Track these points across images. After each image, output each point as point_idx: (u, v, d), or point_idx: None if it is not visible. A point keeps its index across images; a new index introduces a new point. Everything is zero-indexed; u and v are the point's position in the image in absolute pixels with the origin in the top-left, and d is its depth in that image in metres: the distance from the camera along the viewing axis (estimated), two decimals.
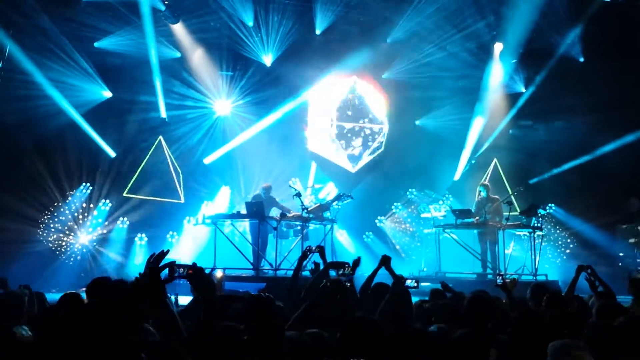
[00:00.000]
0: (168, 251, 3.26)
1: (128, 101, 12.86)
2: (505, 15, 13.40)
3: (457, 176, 14.51)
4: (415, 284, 4.72)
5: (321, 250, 5.62)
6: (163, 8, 12.44)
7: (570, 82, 13.44)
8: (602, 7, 12.72)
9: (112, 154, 12.62)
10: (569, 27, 13.24)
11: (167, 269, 3.18)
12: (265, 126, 13.79)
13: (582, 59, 13.90)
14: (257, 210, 9.62)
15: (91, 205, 12.27)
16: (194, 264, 3.59)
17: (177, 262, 3.37)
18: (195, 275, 3.43)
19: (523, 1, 12.89)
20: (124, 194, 12.72)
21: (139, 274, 3.25)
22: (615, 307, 4.25)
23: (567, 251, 13.50)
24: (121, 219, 12.41)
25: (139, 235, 12.30)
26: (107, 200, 12.40)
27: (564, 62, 13.68)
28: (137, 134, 13.04)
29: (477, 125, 14.35)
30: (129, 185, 12.81)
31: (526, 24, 13.28)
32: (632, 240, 12.42)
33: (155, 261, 3.15)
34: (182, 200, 13.19)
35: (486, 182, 11.82)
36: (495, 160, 14.69)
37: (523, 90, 14.63)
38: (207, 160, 13.60)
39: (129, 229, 12.43)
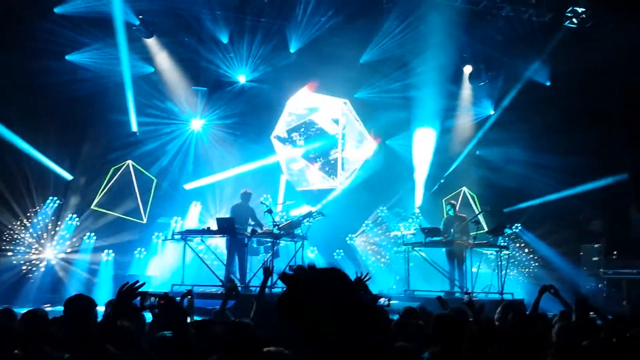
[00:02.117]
0: (143, 284, 3.24)
1: (98, 115, 12.68)
2: (475, 38, 13.80)
3: (417, 202, 14.64)
4: (387, 302, 4.76)
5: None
6: (137, 22, 12.43)
7: (538, 105, 13.80)
8: (568, 33, 13.22)
9: (69, 176, 12.33)
10: (536, 52, 13.67)
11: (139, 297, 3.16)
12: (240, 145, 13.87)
13: (548, 83, 14.35)
14: (228, 226, 9.60)
15: (59, 222, 12.02)
16: (166, 294, 3.57)
17: (149, 291, 3.35)
18: (167, 306, 3.39)
19: (491, 26, 13.32)
20: (92, 207, 12.51)
21: (110, 302, 3.23)
22: (576, 328, 4.35)
23: (530, 270, 13.81)
24: (88, 234, 12.19)
25: (106, 251, 12.10)
26: (75, 215, 12.18)
27: (531, 86, 14.10)
28: (107, 148, 12.85)
29: (428, 146, 14.57)
30: (97, 198, 12.60)
31: (494, 48, 13.71)
32: (595, 259, 12.76)
33: (126, 292, 3.14)
34: (144, 221, 12.97)
35: (453, 201, 12.04)
36: (464, 187, 15.02)
37: (492, 112, 15.01)
38: (188, 187, 13.46)
39: (96, 245, 12.20)
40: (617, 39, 12.50)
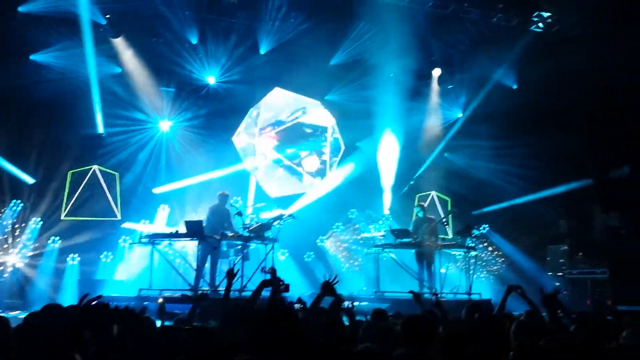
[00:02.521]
0: (99, 296, 3.19)
1: (64, 116, 12.41)
2: (444, 41, 13.98)
3: (386, 205, 14.70)
4: (351, 305, 4.76)
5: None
6: (104, 22, 12.23)
7: (505, 108, 14.03)
8: (534, 37, 13.50)
9: (30, 180, 12.03)
10: (503, 55, 13.91)
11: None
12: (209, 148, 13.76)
13: (515, 87, 14.62)
14: (197, 229, 9.50)
15: (23, 225, 11.74)
16: (126, 307, 3.52)
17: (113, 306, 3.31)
18: (125, 320, 3.34)
19: (460, 29, 13.52)
20: (62, 218, 12.27)
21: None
22: (534, 328, 4.36)
23: (497, 271, 14.04)
24: (53, 237, 11.92)
25: (71, 255, 11.85)
26: (39, 219, 11.90)
27: (498, 89, 14.36)
28: (73, 150, 12.58)
29: (395, 149, 14.68)
30: (64, 207, 12.35)
31: (463, 52, 13.92)
32: (562, 260, 13.04)
33: (86, 305, 3.10)
34: (119, 217, 12.76)
35: (422, 203, 12.16)
36: (433, 191, 15.19)
37: (460, 115, 15.22)
38: (158, 190, 13.24)
39: (61, 249, 11.94)
40: (584, 44, 12.79)
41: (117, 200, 12.93)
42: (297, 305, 4.68)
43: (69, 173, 12.57)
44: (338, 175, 14.82)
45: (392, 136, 14.60)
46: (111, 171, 12.98)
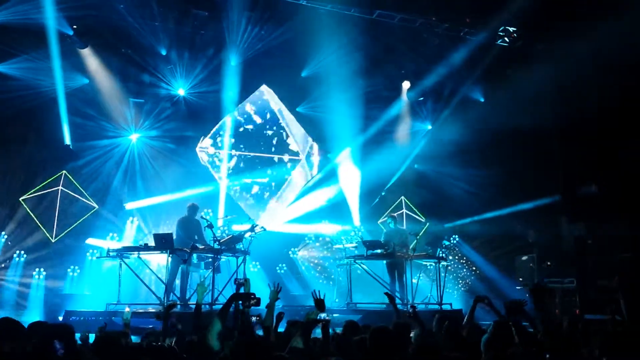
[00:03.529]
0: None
1: (29, 128, 12.15)
2: (412, 55, 14.18)
3: (355, 221, 14.75)
4: (327, 318, 4.74)
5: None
6: (71, 32, 12.06)
7: (471, 121, 14.25)
8: (501, 51, 13.78)
9: None
10: (471, 69, 14.16)
11: None
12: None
13: (482, 99, 14.89)
14: (166, 242, 9.36)
15: None
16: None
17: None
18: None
19: (428, 43, 13.74)
20: (21, 199, 11.93)
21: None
22: (502, 337, 4.38)
23: (467, 281, 14.19)
24: (18, 252, 11.62)
25: (37, 269, 11.57)
26: (3, 233, 11.60)
27: (466, 102, 14.60)
28: (38, 163, 12.32)
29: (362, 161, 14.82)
30: (27, 194, 12.02)
31: (431, 65, 14.14)
32: (528, 269, 13.22)
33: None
34: (53, 240, 12.37)
35: (394, 214, 12.24)
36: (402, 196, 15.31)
37: (429, 127, 15.43)
38: (130, 206, 13.01)
39: (26, 263, 11.65)
40: (548, 59, 13.10)
41: (67, 227, 12.52)
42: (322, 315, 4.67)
43: (21, 201, 12.14)
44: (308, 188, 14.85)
45: (358, 148, 14.71)
46: (87, 199, 12.73)
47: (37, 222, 12.18)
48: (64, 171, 12.48)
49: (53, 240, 12.29)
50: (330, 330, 5.36)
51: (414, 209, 15.24)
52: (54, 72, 11.90)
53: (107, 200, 12.96)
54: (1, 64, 11.76)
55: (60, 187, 12.42)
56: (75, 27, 12.06)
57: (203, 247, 9.75)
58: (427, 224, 12.91)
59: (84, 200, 12.71)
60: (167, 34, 12.79)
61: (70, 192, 12.59)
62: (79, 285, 11.79)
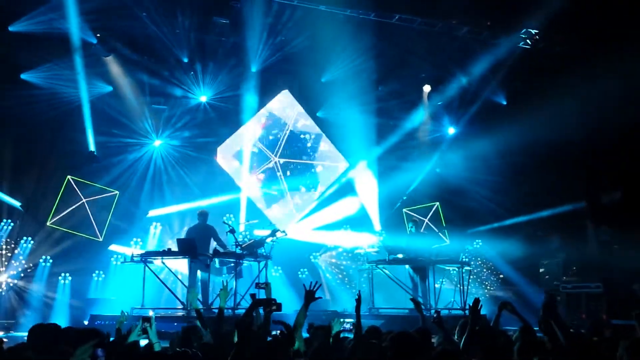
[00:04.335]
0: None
1: (55, 136, 12.35)
2: (433, 58, 14.12)
3: (376, 226, 14.65)
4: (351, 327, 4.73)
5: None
6: (95, 41, 12.25)
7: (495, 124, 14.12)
8: (523, 53, 13.65)
9: (16, 203, 11.90)
10: (493, 72, 14.05)
11: None
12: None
13: (504, 102, 14.74)
14: (189, 248, 9.44)
15: (13, 245, 11.62)
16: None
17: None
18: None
19: (449, 47, 13.67)
20: (48, 224, 12.11)
21: None
22: (535, 345, 4.36)
23: (491, 286, 14.03)
24: (44, 256, 11.81)
25: (62, 274, 11.74)
26: (30, 238, 11.80)
27: (488, 105, 14.47)
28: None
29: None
30: (51, 215, 12.20)
31: (452, 68, 14.06)
32: (554, 274, 13.05)
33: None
34: (100, 239, 12.62)
35: (415, 219, 12.16)
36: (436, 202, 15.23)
37: (450, 130, 15.32)
38: (153, 213, 13.14)
39: (52, 267, 11.83)
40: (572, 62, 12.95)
41: (105, 222, 12.73)
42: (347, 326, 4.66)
43: (67, 178, 12.38)
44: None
45: (381, 152, 14.68)
46: (109, 189, 12.84)
47: (80, 234, 12.38)
48: (68, 176, 12.47)
49: (101, 239, 12.50)
50: (349, 335, 5.35)
51: (442, 219, 14.98)
52: (78, 80, 12.09)
53: (130, 207, 13.09)
54: (26, 72, 11.95)
55: (83, 200, 12.55)
56: (98, 35, 12.24)
57: (225, 251, 9.81)
58: (446, 242, 12.74)
59: (103, 194, 12.77)
60: (188, 41, 12.92)
61: (91, 197, 12.68)
62: (104, 289, 11.93)
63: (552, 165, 13.70)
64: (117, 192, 12.83)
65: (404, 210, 14.84)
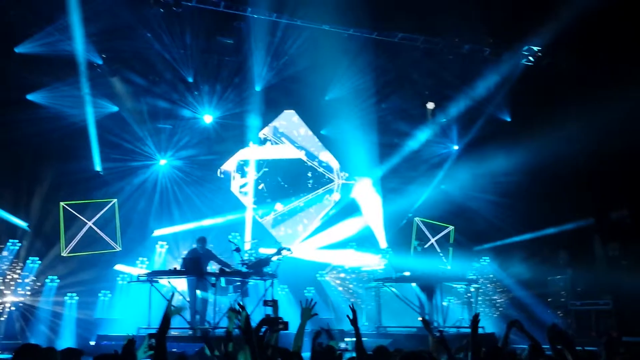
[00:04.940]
0: None
1: (60, 155, 12.39)
2: (436, 76, 14.18)
3: (382, 244, 14.58)
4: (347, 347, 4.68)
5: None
6: (100, 62, 12.35)
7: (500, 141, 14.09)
8: (527, 70, 13.70)
9: (22, 223, 11.92)
10: (496, 89, 14.09)
11: None
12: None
13: (509, 119, 14.75)
14: (195, 267, 9.41)
15: (20, 265, 11.61)
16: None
17: None
18: None
19: (452, 64, 13.74)
20: (63, 254, 12.14)
21: None
22: None
23: (498, 304, 13.90)
24: (50, 276, 11.79)
25: (69, 294, 11.71)
26: (36, 258, 11.80)
27: (492, 121, 14.49)
28: (69, 190, 12.53)
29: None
30: (62, 244, 12.22)
31: (455, 85, 14.11)
32: (563, 292, 12.94)
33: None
34: (119, 248, 12.60)
35: (421, 237, 12.11)
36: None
37: (455, 147, 15.32)
38: (158, 233, 13.16)
39: (59, 288, 11.80)
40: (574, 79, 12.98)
41: (115, 230, 12.74)
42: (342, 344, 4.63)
43: (61, 205, 12.35)
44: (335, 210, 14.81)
45: (385, 170, 14.69)
46: (106, 200, 12.81)
47: (98, 252, 12.43)
48: (61, 203, 12.37)
49: (119, 248, 12.58)
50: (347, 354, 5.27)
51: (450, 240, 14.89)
52: (84, 101, 12.17)
53: (135, 226, 13.10)
54: (32, 93, 12.03)
55: (89, 224, 12.56)
56: (104, 56, 12.35)
57: (230, 270, 9.78)
58: (450, 247, 12.71)
59: (103, 207, 12.77)
60: (193, 61, 13.02)
61: (92, 215, 12.67)
62: (110, 309, 11.88)
63: (559, 182, 13.65)
64: (114, 200, 12.81)
65: (416, 219, 14.74)
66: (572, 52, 13.02)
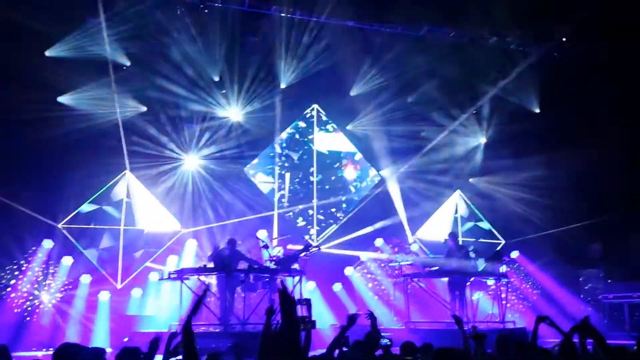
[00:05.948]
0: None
1: (91, 156, 12.63)
2: (462, 68, 14.03)
3: (409, 238, 14.56)
4: (389, 342, 4.69)
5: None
6: (128, 63, 12.55)
7: (527, 132, 13.88)
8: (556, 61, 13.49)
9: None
10: (524, 80, 13.89)
11: None
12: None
13: (538, 110, 14.52)
14: (224, 264, 9.53)
15: (53, 264, 11.89)
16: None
17: None
18: None
19: (479, 56, 13.59)
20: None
21: None
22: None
23: (529, 298, 13.71)
24: (83, 275, 12.05)
25: (102, 292, 11.95)
26: (70, 257, 12.07)
27: (521, 112, 14.28)
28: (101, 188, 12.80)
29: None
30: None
31: (482, 77, 13.95)
32: (595, 284, 12.72)
33: None
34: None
35: (453, 231, 12.00)
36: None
37: (482, 140, 15.15)
38: (187, 230, 13.30)
39: (91, 286, 12.05)
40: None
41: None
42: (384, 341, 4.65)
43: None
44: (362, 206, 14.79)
45: (414, 164, 14.58)
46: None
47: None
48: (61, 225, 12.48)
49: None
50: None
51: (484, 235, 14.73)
52: (113, 102, 12.39)
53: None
54: (63, 95, 12.27)
55: (121, 227, 12.83)
56: (131, 57, 12.54)
57: (259, 267, 9.88)
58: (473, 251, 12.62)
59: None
60: (219, 60, 13.13)
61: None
62: (142, 305, 12.09)
63: (592, 174, 13.38)
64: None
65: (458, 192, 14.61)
66: (599, 42, 12.76)
